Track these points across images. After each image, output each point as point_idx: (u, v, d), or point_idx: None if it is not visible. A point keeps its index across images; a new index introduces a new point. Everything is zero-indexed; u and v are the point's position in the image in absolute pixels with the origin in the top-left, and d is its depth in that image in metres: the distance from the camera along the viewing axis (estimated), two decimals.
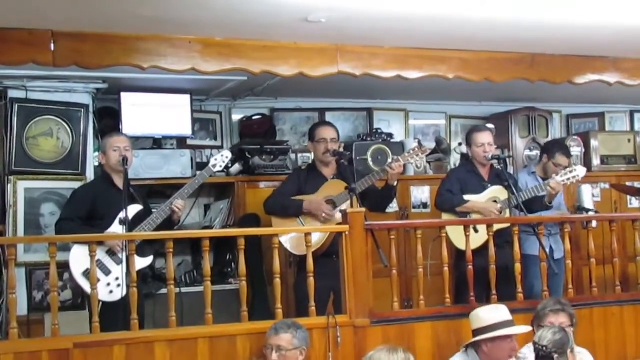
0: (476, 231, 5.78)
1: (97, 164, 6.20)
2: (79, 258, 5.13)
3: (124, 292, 5.04)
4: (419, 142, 6.04)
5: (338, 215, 5.66)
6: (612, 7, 5.21)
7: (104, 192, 5.52)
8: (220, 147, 7.53)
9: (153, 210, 5.51)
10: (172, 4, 4.72)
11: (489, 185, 6.22)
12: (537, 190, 6.17)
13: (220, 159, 5.70)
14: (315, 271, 5.17)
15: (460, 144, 7.87)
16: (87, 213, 5.42)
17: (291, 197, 5.85)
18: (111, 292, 5.18)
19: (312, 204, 5.77)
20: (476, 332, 4.77)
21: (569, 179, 6.13)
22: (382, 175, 5.81)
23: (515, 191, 5.97)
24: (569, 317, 4.92)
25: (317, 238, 5.55)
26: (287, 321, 4.79)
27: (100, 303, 4.93)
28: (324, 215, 5.72)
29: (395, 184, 5.90)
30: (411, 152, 5.88)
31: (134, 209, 5.39)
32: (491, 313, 4.79)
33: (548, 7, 5.13)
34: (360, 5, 4.93)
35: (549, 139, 8.20)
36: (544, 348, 4.18)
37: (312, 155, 6.41)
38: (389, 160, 6.08)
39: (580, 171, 6.16)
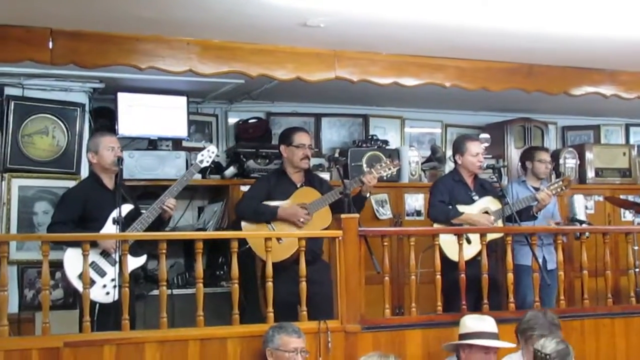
0: (469, 242, 5.78)
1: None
2: (73, 261, 5.08)
3: None
4: (390, 155, 6.08)
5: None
6: (610, 20, 5.22)
7: (95, 193, 5.47)
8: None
9: (142, 211, 5.47)
10: (170, 5, 4.72)
11: (475, 194, 6.23)
12: (528, 201, 6.22)
13: (207, 154, 5.68)
14: (285, 278, 5.20)
15: None
16: (79, 216, 5.38)
17: (261, 201, 5.82)
18: (107, 293, 5.14)
19: (286, 210, 5.75)
20: (460, 338, 4.78)
21: (556, 188, 6.24)
22: (355, 185, 5.79)
23: (508, 202, 6.01)
24: None
25: (291, 244, 5.52)
26: (295, 325, 4.80)
27: (97, 305, 4.93)
28: (301, 220, 5.71)
29: (368, 195, 5.91)
30: (383, 164, 5.94)
31: (125, 209, 5.35)
32: (476, 322, 4.80)
33: (547, 18, 5.14)
34: (359, 11, 4.94)
35: None
36: (547, 357, 4.09)
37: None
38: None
39: (569, 182, 6.37)
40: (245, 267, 6.27)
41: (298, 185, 5.93)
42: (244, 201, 5.90)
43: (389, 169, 5.93)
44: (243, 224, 5.81)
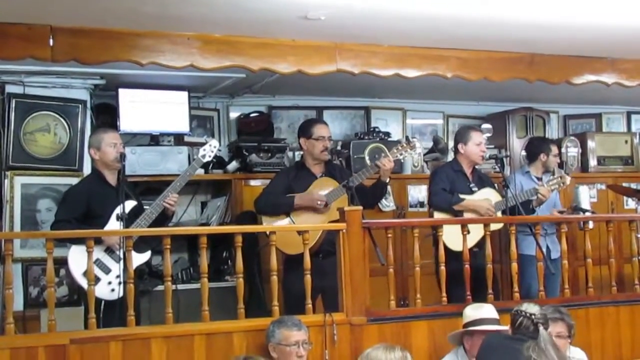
0: (468, 232, 5.76)
1: None
2: (78, 259, 5.05)
3: None
4: (407, 138, 6.05)
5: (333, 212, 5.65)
6: (611, 8, 5.21)
7: (98, 190, 5.45)
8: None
9: (145, 207, 5.47)
10: (171, 0, 4.72)
11: (474, 185, 6.21)
12: (529, 194, 6.22)
13: (209, 149, 5.67)
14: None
15: None
16: (82, 213, 5.35)
17: (281, 195, 5.82)
18: (113, 290, 5.13)
19: (303, 197, 5.75)
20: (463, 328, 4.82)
21: (554, 184, 6.30)
22: (372, 172, 5.80)
23: (512, 193, 6.01)
24: (567, 327, 4.71)
25: (311, 236, 5.50)
26: (294, 318, 4.80)
27: (102, 302, 4.94)
28: (319, 202, 5.70)
29: (387, 180, 5.89)
30: (399, 147, 5.90)
31: (129, 205, 5.35)
32: (475, 310, 4.83)
33: (547, 7, 5.13)
34: (360, 3, 4.93)
35: None
36: (532, 315, 4.04)
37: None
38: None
39: (567, 179, 6.39)
40: (249, 260, 6.31)
41: (318, 177, 5.92)
42: (263, 196, 5.89)
43: (406, 151, 5.90)
44: (263, 218, 5.81)
